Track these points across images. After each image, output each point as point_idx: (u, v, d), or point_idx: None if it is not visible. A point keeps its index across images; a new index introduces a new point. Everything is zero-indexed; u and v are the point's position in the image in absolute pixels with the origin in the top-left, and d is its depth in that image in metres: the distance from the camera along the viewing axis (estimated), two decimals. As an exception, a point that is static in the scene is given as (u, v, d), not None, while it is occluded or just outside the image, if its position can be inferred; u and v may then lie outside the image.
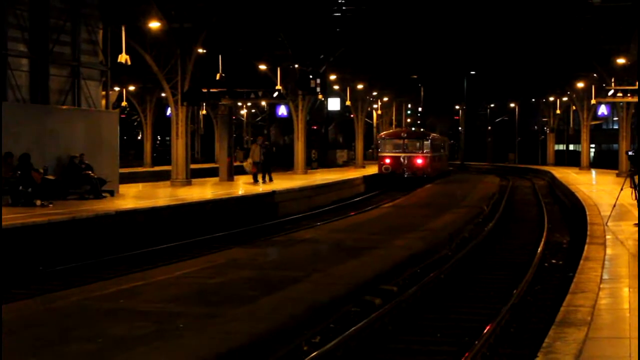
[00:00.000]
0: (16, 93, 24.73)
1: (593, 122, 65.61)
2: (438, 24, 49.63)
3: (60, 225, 19.19)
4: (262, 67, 46.46)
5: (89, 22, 28.04)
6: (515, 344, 11.65)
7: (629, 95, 41.95)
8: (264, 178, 35.57)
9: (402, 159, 50.69)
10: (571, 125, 78.97)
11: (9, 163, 22.93)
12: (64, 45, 26.92)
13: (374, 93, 70.41)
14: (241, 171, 41.19)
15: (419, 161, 50.94)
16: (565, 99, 71.60)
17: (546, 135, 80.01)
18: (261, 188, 32.56)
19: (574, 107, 69.20)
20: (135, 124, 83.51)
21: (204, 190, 31.46)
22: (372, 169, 58.70)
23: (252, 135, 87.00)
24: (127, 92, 58.62)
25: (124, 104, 58.88)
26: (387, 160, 50.91)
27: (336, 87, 63.03)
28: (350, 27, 49.20)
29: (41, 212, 20.65)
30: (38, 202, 22.35)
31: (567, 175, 49.75)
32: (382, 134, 59.05)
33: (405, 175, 50.23)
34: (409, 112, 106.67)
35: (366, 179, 48.19)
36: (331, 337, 11.22)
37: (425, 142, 52.53)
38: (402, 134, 53.89)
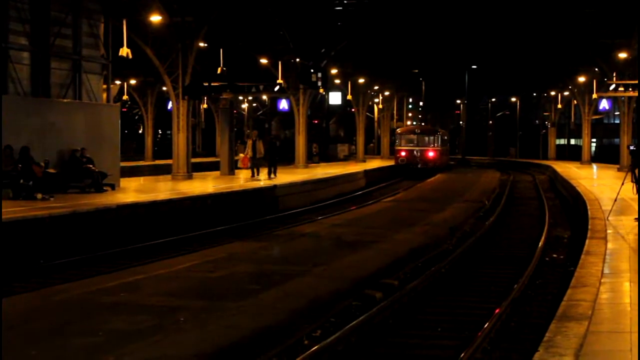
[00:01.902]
0: (17, 86, 24.72)
1: (594, 117, 65.53)
2: (439, 18, 49.55)
3: (61, 219, 19.18)
4: (264, 61, 46.39)
5: (91, 16, 28.02)
6: (516, 338, 11.64)
7: (630, 89, 41.86)
8: (269, 173, 35.23)
9: (415, 152, 57.75)
10: (572, 119, 78.91)
11: (9, 156, 22.93)
12: (65, 38, 26.89)
13: (375, 87, 70.38)
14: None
15: (431, 154, 58.00)
16: (566, 93, 71.49)
17: (547, 129, 79.93)
18: (262, 182, 32.53)
19: (575, 102, 69.16)
20: (136, 117, 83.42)
21: (205, 184, 31.46)
22: (373, 163, 58.87)
23: (253, 129, 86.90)
24: (128, 85, 58.53)
25: (125, 97, 58.73)
26: (403, 153, 57.89)
27: (337, 81, 62.95)
28: (352, 20, 49.10)
29: (42, 206, 20.65)
30: (39, 196, 22.34)
31: (568, 169, 49.74)
32: (398, 130, 65.89)
33: (419, 166, 56.90)
34: (410, 106, 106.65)
35: (367, 173, 48.18)
36: (332, 331, 11.23)
37: (435, 137, 59.89)
38: (416, 130, 62.25)
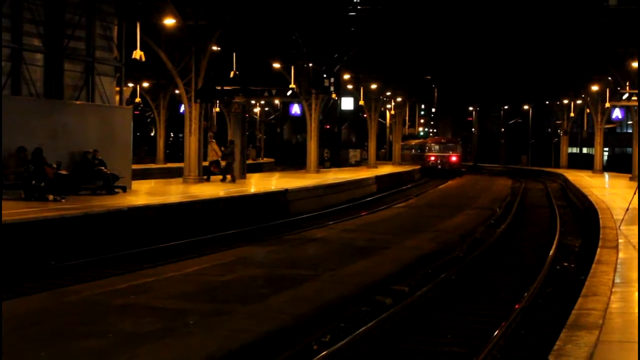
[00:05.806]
0: (30, 87, 24.80)
1: (607, 126, 65.36)
2: (452, 25, 49.62)
3: (72, 221, 19.22)
4: (276, 65, 46.42)
5: (104, 18, 28.08)
6: (526, 346, 11.60)
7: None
8: (223, 178, 35.15)
9: (441, 157, 70.66)
10: (585, 128, 78.70)
11: (22, 157, 23.01)
12: (79, 40, 26.96)
13: (388, 93, 70.38)
14: (253, 169, 41.12)
15: (453, 159, 71.23)
16: (579, 101, 71.33)
17: (559, 138, 79.76)
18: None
19: (587, 110, 68.93)
20: (148, 120, 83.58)
21: (216, 188, 31.46)
22: (385, 169, 58.90)
23: (264, 133, 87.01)
24: (141, 88, 58.64)
25: (137, 100, 58.87)
26: (432, 158, 70.90)
27: (350, 86, 62.98)
28: (365, 26, 49.14)
29: (54, 207, 20.70)
30: (51, 197, 22.39)
31: (580, 178, 49.56)
32: (428, 139, 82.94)
33: (446, 167, 69.56)
34: (422, 112, 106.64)
35: (379, 178, 48.06)
36: (341, 336, 11.20)
37: (457, 146, 73.77)
38: (442, 140, 77.75)
